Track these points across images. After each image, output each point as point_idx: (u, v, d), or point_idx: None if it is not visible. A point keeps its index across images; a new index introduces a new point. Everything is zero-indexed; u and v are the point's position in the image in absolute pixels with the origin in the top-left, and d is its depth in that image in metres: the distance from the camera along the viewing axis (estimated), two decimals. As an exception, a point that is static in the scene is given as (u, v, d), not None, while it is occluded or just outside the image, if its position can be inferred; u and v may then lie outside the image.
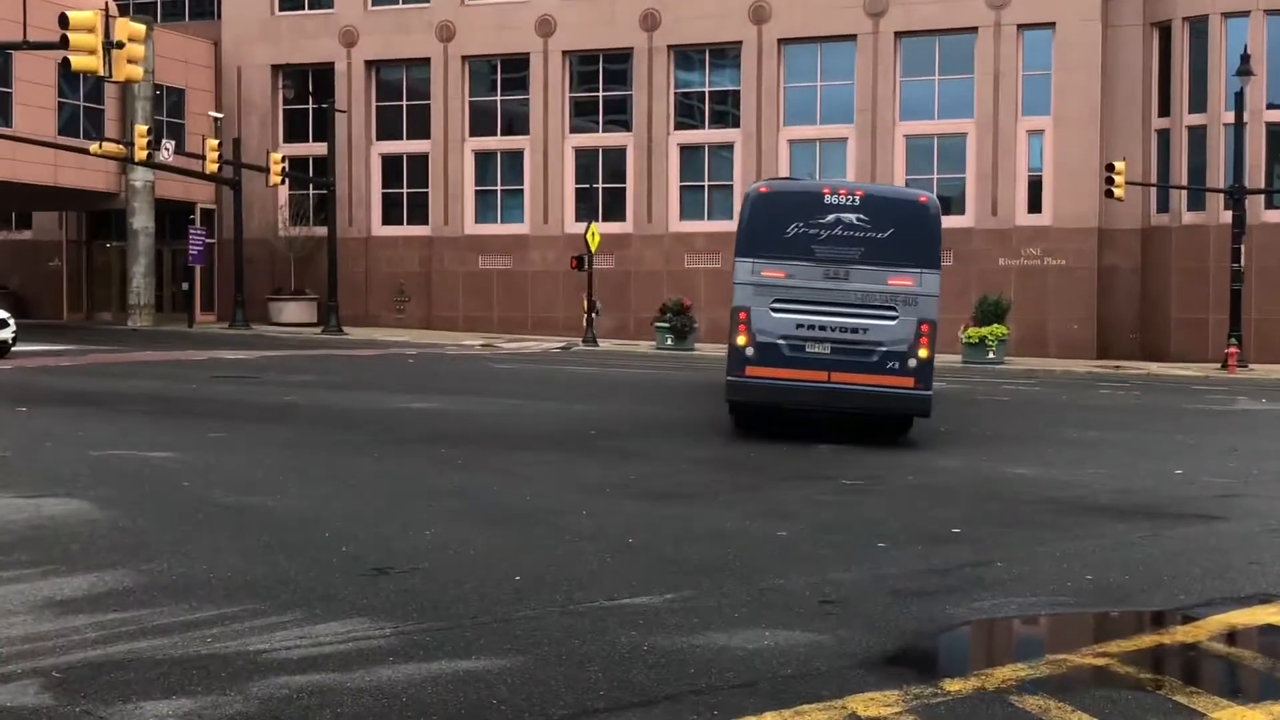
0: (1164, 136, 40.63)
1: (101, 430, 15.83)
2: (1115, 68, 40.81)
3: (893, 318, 16.67)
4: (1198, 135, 39.75)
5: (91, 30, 23.12)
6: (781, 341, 16.57)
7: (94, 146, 39.41)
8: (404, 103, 48.43)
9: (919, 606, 7.94)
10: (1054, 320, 41.07)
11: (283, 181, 44.01)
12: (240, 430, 16.25)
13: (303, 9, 49.30)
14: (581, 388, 25.05)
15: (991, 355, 36.19)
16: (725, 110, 44.85)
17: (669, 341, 39.31)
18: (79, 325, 48.66)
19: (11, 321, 29.99)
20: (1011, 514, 11.48)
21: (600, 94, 46.18)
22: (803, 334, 16.57)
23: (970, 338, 36.56)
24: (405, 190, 48.49)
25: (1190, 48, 39.80)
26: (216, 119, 46.90)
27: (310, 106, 49.11)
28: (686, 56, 45.04)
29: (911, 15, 41.89)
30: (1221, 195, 38.15)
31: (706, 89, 45.10)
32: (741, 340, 16.69)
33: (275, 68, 49.36)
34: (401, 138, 48.32)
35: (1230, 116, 37.39)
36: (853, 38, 42.59)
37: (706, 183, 44.85)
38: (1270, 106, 38.89)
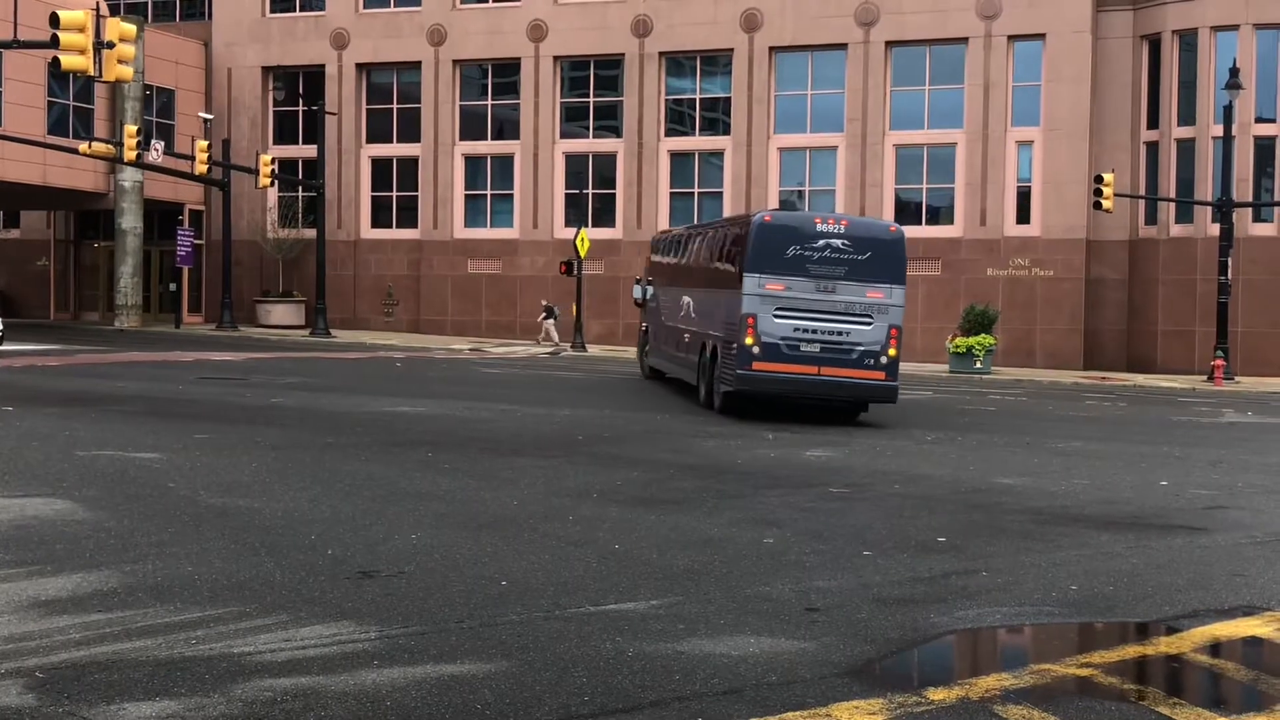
0: (1153, 149, 40.78)
1: (88, 430, 15.79)
2: (1105, 80, 40.96)
3: (869, 323, 20.34)
4: (1186, 148, 39.91)
5: (82, 30, 23.08)
6: (781, 342, 20.17)
7: (83, 146, 39.33)
8: (394, 106, 48.41)
9: (904, 615, 7.96)
10: (1041, 330, 41.19)
11: (272, 183, 43.96)
12: (227, 432, 16.22)
13: (294, 11, 49.29)
14: (569, 393, 25.03)
15: (979, 365, 36.27)
16: (716, 117, 44.93)
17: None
18: (66, 325, 48.53)
19: (-2, 320, 29.90)
20: (997, 523, 11.51)
21: (591, 99, 46.22)
22: (798, 336, 20.20)
23: (958, 347, 36.63)
24: (395, 194, 48.46)
25: (1180, 61, 39.97)
26: (206, 120, 46.85)
27: (300, 109, 49.08)
28: (678, 63, 45.11)
29: (903, 25, 42.00)
30: (1209, 208, 38.30)
31: (697, 96, 45.17)
32: (749, 340, 20.13)
33: (266, 69, 49.32)
34: (391, 141, 48.29)
35: (1219, 129, 37.54)
36: (844, 47, 42.70)
37: (696, 189, 44.91)
38: (1259, 120, 39.06)
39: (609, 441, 16.87)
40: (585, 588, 8.36)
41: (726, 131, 44.38)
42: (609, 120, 45.95)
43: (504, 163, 47.07)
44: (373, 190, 48.73)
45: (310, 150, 47.24)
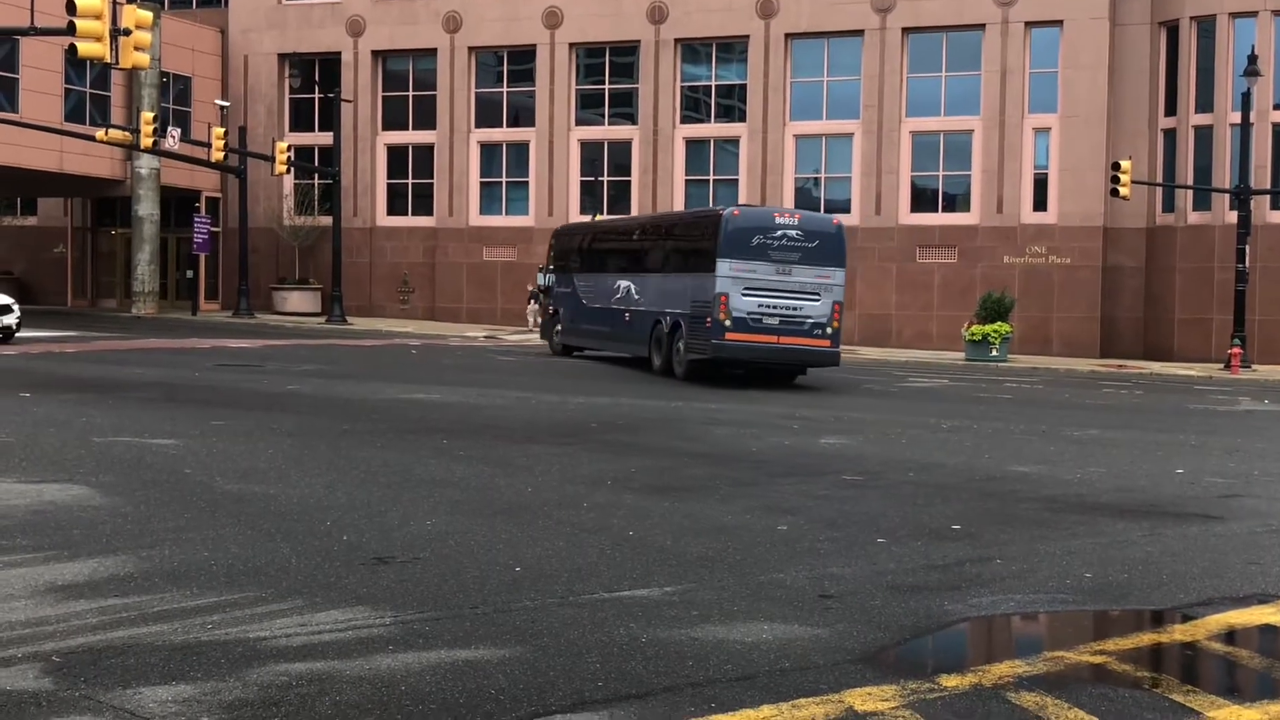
0: (1170, 136, 40.59)
1: (104, 417, 15.85)
2: (1122, 66, 40.76)
3: (817, 299, 24.61)
4: (1204, 135, 39.71)
5: (99, 17, 23.13)
6: (748, 315, 24.24)
7: (100, 133, 39.47)
8: (410, 93, 48.44)
9: (917, 602, 7.95)
10: (1058, 318, 41.06)
11: (288, 170, 44.04)
12: (243, 418, 16.27)
13: (310, -2, 49.31)
14: (583, 380, 25.07)
15: (995, 353, 36.17)
16: (731, 104, 44.84)
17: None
18: (83, 312, 48.71)
19: (15, 307, 30.05)
20: (1011, 511, 11.48)
21: (606, 87, 46.18)
22: (761, 310, 24.35)
23: (974, 335, 36.54)
24: (410, 181, 48.51)
25: (1198, 47, 39.75)
26: (223, 107, 46.96)
27: (316, 96, 49.13)
28: (693, 50, 45.02)
29: (919, 11, 41.84)
30: (1227, 195, 38.12)
31: (713, 83, 45.08)
32: (722, 315, 24.14)
33: (282, 56, 49.38)
34: (407, 128, 48.33)
35: (1237, 117, 37.33)
36: (860, 33, 42.57)
37: (712, 177, 44.84)
38: (1277, 107, 38.85)
39: (623, 429, 16.89)
40: (599, 574, 8.37)
41: (742, 118, 44.29)
42: (624, 107, 45.90)
43: (519, 150, 47.07)
44: (388, 177, 48.78)
45: (326, 137, 47.31)
